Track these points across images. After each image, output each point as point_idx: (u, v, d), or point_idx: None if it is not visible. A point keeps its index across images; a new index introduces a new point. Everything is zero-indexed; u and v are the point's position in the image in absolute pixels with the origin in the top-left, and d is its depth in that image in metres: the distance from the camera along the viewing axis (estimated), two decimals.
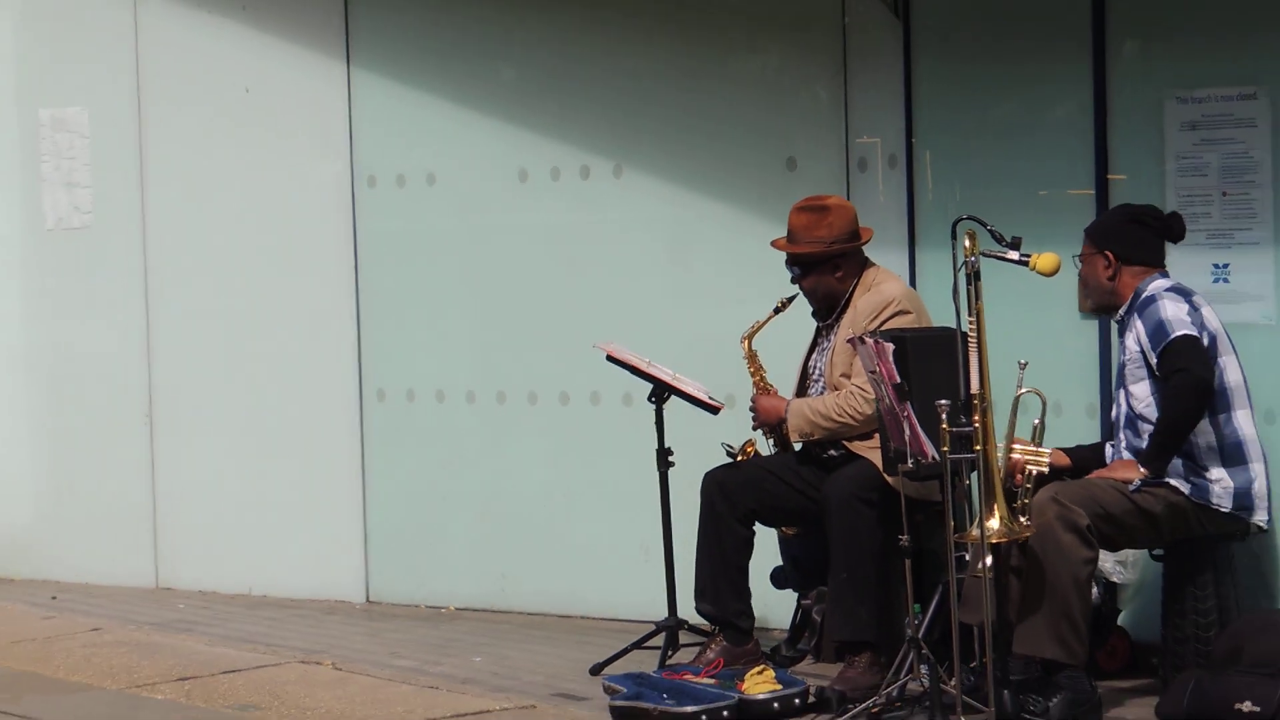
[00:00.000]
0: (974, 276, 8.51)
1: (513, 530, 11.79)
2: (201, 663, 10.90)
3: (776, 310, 9.87)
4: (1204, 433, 8.81)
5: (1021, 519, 8.49)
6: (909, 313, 9.56)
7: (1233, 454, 8.86)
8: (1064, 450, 9.20)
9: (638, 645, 10.08)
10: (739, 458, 9.92)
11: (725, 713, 8.93)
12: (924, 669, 8.71)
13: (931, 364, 8.72)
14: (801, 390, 9.93)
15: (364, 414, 12.31)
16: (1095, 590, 9.03)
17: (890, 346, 8.67)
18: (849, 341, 9.35)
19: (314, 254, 12.46)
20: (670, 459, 10.09)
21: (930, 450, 8.52)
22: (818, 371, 9.87)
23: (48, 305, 13.51)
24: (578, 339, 10.98)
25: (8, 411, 13.57)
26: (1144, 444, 8.90)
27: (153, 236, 12.94)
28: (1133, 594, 9.69)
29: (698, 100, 11.09)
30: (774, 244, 9.81)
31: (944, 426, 8.40)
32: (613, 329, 10.61)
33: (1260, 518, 8.94)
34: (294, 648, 11.17)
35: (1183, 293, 8.94)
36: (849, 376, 9.49)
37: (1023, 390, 8.86)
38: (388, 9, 12.11)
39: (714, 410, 10.13)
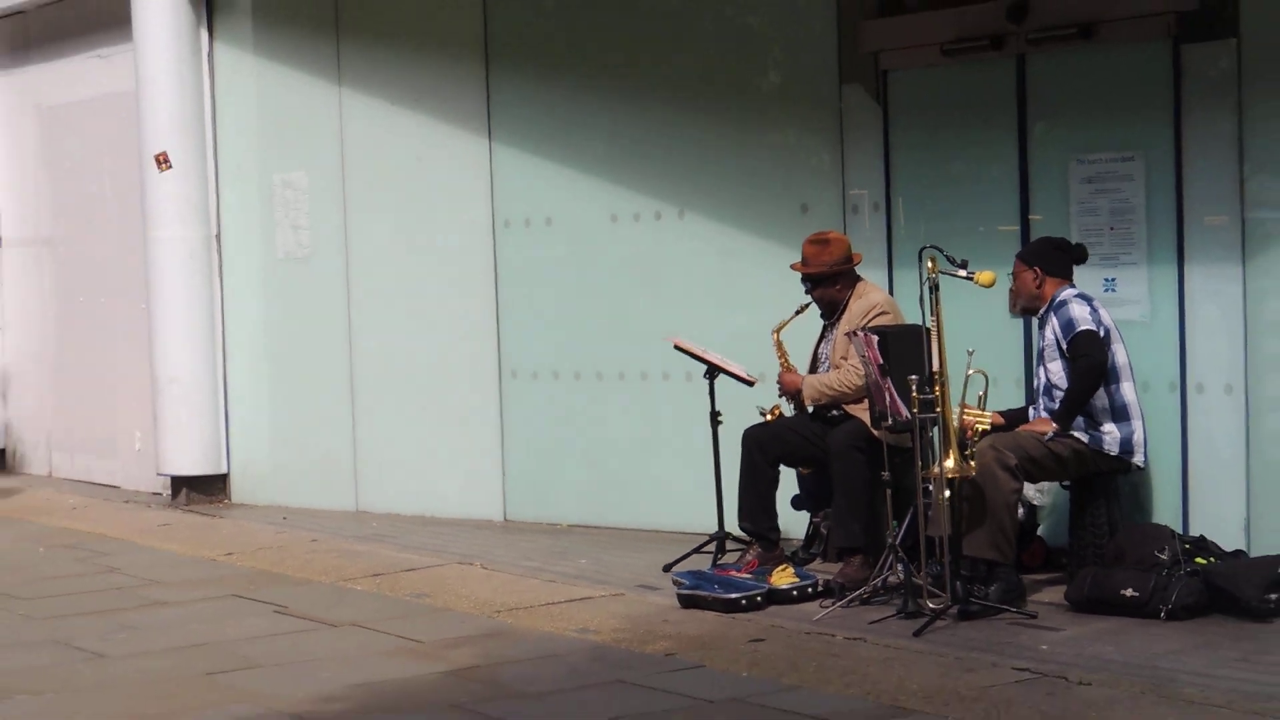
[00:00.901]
0: (934, 288, 8.75)
1: (608, 469, 11.81)
2: (388, 564, 11.01)
3: (796, 313, 9.93)
4: (1099, 398, 8.96)
5: (970, 460, 8.61)
6: (889, 313, 9.65)
7: (1120, 413, 9.00)
8: (1000, 412, 9.27)
9: (696, 551, 10.16)
10: (768, 418, 9.94)
11: (759, 598, 9.12)
12: (900, 567, 8.81)
13: (905, 350, 8.78)
14: (813, 369, 9.97)
15: (502, 387, 12.32)
16: (1021, 510, 9.11)
17: (875, 337, 8.88)
18: (846, 335, 9.50)
19: (467, 275, 12.46)
20: (719, 419, 10.13)
21: (904, 411, 8.69)
22: (824, 356, 9.92)
23: (280, 310, 13.53)
24: (654, 334, 10.99)
25: (253, 385, 13.62)
26: (1056, 407, 9.00)
27: (353, 262, 12.96)
28: (1048, 513, 9.79)
29: (738, 163, 11.09)
30: (793, 266, 9.87)
31: (914, 394, 8.59)
32: (679, 326, 10.69)
33: (1139, 459, 9.08)
34: (454, 553, 11.25)
35: (1085, 298, 9.08)
36: (846, 359, 9.54)
37: (971, 371, 9.00)
38: (517, 101, 12.10)
39: (750, 384, 10.21)
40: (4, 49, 16.11)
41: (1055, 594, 9.04)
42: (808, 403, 9.85)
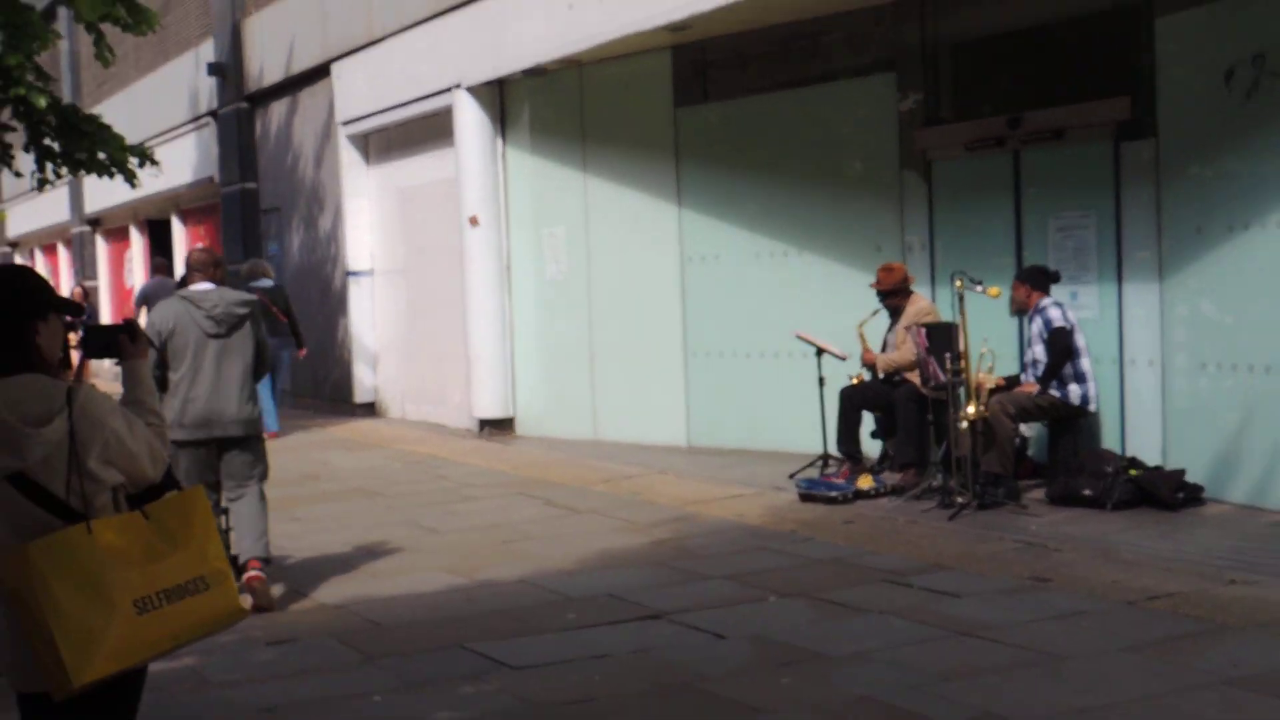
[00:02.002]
0: (960, 298, 8.80)
1: (755, 412, 11.71)
2: (614, 474, 11.05)
3: (872, 314, 9.98)
4: (1067, 369, 9.00)
5: (984, 408, 8.72)
6: (931, 314, 9.67)
7: (1080, 378, 9.06)
8: (1003, 377, 9.33)
9: (809, 465, 10.18)
10: (855, 381, 9.95)
11: (850, 495, 9.20)
12: (940, 475, 8.97)
13: (942, 338, 8.84)
14: (883, 350, 10.01)
15: (687, 361, 12.32)
16: (1017, 440, 9.17)
17: (924, 330, 8.96)
18: (905, 329, 9.58)
19: (665, 291, 12.41)
20: (824, 381, 10.11)
21: (941, 377, 8.75)
22: (890, 341, 9.96)
23: (546, 312, 13.45)
24: (782, 328, 11.04)
25: (530, 359, 13.57)
26: (1039, 374, 9.06)
27: (593, 283, 12.93)
28: (1034, 443, 9.78)
29: (835, 219, 11.07)
30: (870, 285, 9.95)
31: (948, 366, 8.68)
32: (797, 323, 10.71)
33: (1093, 407, 9.15)
34: (655, 467, 11.27)
35: (1059, 304, 9.15)
36: (905, 344, 9.59)
37: (984, 350, 9.10)
38: (697, 180, 12.08)
39: (843, 359, 10.16)
40: (376, 151, 16.25)
41: (1039, 494, 9.10)
42: (880, 372, 9.88)
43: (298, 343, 14.83)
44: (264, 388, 14.60)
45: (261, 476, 7.41)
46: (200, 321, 7.15)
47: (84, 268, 28.20)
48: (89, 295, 25.32)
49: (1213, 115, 8.57)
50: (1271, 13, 8.17)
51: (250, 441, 7.33)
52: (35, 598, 3.22)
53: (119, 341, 3.70)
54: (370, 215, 16.42)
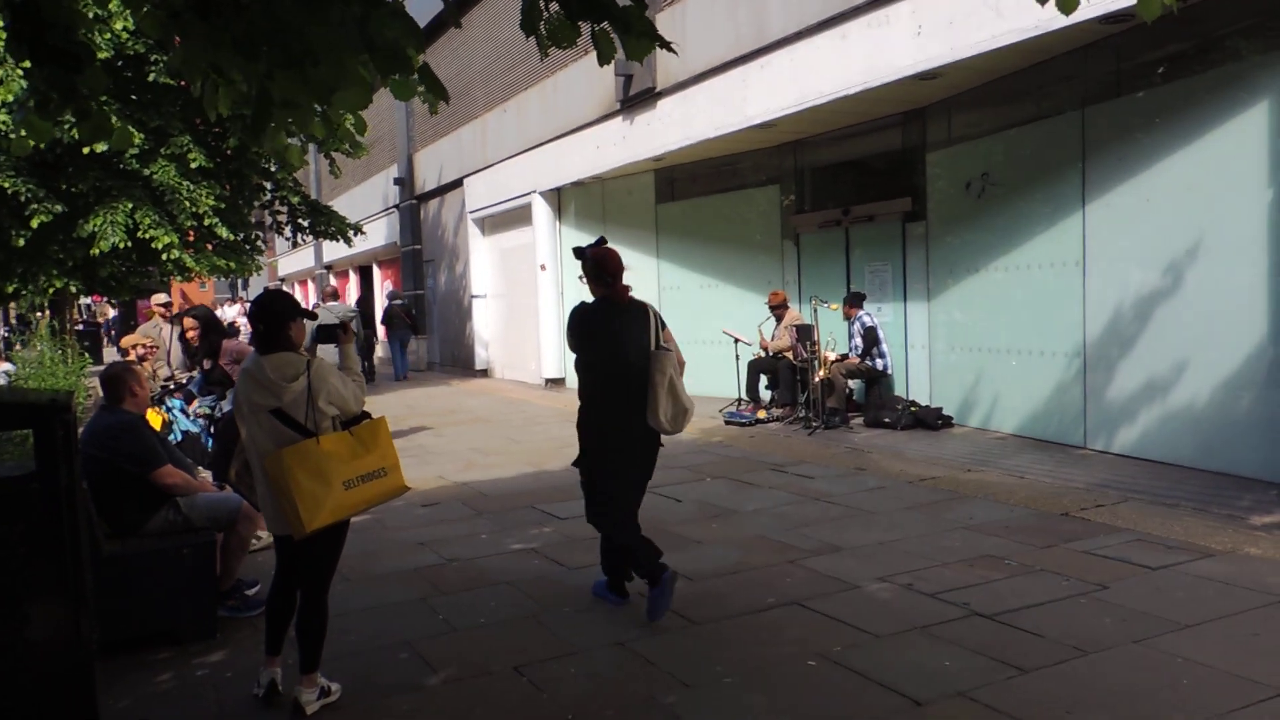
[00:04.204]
0: (815, 310, 8.66)
1: (701, 374, 11.04)
2: None
3: (767, 319, 9.72)
4: (875, 350, 8.78)
5: (828, 372, 8.57)
6: (799, 320, 9.35)
7: (883, 354, 8.86)
8: (840, 354, 9.07)
9: (731, 404, 9.77)
10: (756, 357, 9.70)
11: (754, 422, 9.04)
12: (804, 411, 8.76)
13: (804, 333, 8.70)
14: (771, 339, 9.61)
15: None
16: (848, 390, 8.95)
17: (795, 328, 8.82)
18: (784, 328, 9.33)
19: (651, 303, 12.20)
20: (739, 356, 9.88)
21: (805, 355, 8.60)
22: (776, 334, 9.58)
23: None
24: (713, 326, 10.69)
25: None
26: (860, 353, 8.85)
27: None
28: (857, 391, 9.50)
29: (744, 267, 10.72)
30: (765, 303, 9.68)
31: (808, 349, 8.52)
32: (723, 323, 10.42)
33: (890, 372, 8.91)
34: None
35: (870, 314, 8.90)
36: (785, 337, 9.39)
37: (828, 338, 8.96)
38: (669, 242, 11.76)
39: (749, 344, 9.83)
40: (489, 227, 15.76)
41: (859, 421, 8.90)
42: (770, 352, 9.59)
43: (414, 331, 15.72)
44: (404, 355, 15.10)
45: None
46: (331, 319, 7.90)
47: (321, 293, 28.07)
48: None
49: (958, 208, 8.42)
50: (989, 151, 8.05)
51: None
52: (285, 479, 3.19)
53: (338, 335, 3.66)
54: (485, 263, 16.08)
